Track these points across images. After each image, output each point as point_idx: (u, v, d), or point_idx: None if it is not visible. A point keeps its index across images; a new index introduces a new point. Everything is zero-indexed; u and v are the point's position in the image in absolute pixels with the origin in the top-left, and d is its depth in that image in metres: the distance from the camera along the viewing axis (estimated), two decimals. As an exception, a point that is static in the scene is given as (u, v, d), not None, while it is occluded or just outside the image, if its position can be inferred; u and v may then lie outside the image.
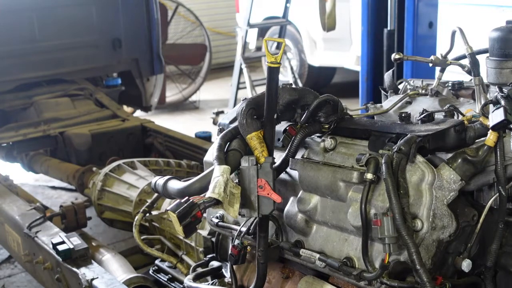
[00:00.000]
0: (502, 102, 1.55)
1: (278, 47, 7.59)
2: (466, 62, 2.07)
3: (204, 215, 1.55)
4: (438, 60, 2.15)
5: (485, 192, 1.62)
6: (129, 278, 2.62)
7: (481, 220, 1.57)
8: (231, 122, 1.89)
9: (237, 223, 1.90)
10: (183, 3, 9.09)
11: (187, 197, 1.53)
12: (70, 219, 3.38)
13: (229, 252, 1.85)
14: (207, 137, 4.63)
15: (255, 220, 1.75)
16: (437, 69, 2.23)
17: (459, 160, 1.52)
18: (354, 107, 2.10)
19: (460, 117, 1.78)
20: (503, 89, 1.60)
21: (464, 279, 1.60)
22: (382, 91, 2.35)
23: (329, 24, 4.86)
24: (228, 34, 11.19)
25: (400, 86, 2.29)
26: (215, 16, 11.16)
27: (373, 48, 4.58)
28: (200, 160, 1.99)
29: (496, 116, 1.51)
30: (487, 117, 1.58)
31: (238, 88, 7.74)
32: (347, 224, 1.61)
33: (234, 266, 1.99)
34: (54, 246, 2.66)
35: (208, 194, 1.52)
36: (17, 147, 4.55)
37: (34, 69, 4.90)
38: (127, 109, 5.93)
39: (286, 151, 1.73)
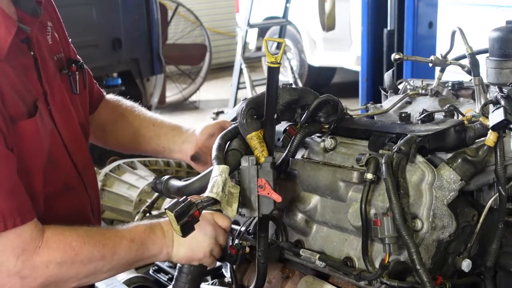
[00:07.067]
0: (502, 102, 1.54)
1: (278, 47, 7.59)
2: (466, 62, 2.07)
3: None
4: (438, 60, 2.15)
5: (485, 192, 1.62)
6: (129, 278, 2.61)
7: (481, 220, 1.56)
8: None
9: (236, 223, 1.90)
10: (183, 3, 9.10)
11: (184, 196, 1.53)
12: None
13: (228, 252, 1.84)
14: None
15: (255, 220, 1.75)
16: (437, 69, 2.23)
17: (459, 160, 1.52)
18: (354, 107, 2.09)
19: (460, 117, 1.78)
20: (503, 89, 1.60)
21: (464, 279, 1.60)
22: (382, 91, 2.34)
23: (328, 24, 4.87)
24: (228, 34, 11.20)
25: (400, 86, 2.29)
26: (215, 16, 11.17)
27: (373, 48, 4.59)
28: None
29: (496, 116, 1.51)
30: (487, 117, 1.58)
31: (238, 88, 7.74)
32: (347, 224, 1.61)
33: (234, 266, 1.99)
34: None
35: (206, 193, 1.51)
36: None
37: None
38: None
39: (286, 151, 1.73)
